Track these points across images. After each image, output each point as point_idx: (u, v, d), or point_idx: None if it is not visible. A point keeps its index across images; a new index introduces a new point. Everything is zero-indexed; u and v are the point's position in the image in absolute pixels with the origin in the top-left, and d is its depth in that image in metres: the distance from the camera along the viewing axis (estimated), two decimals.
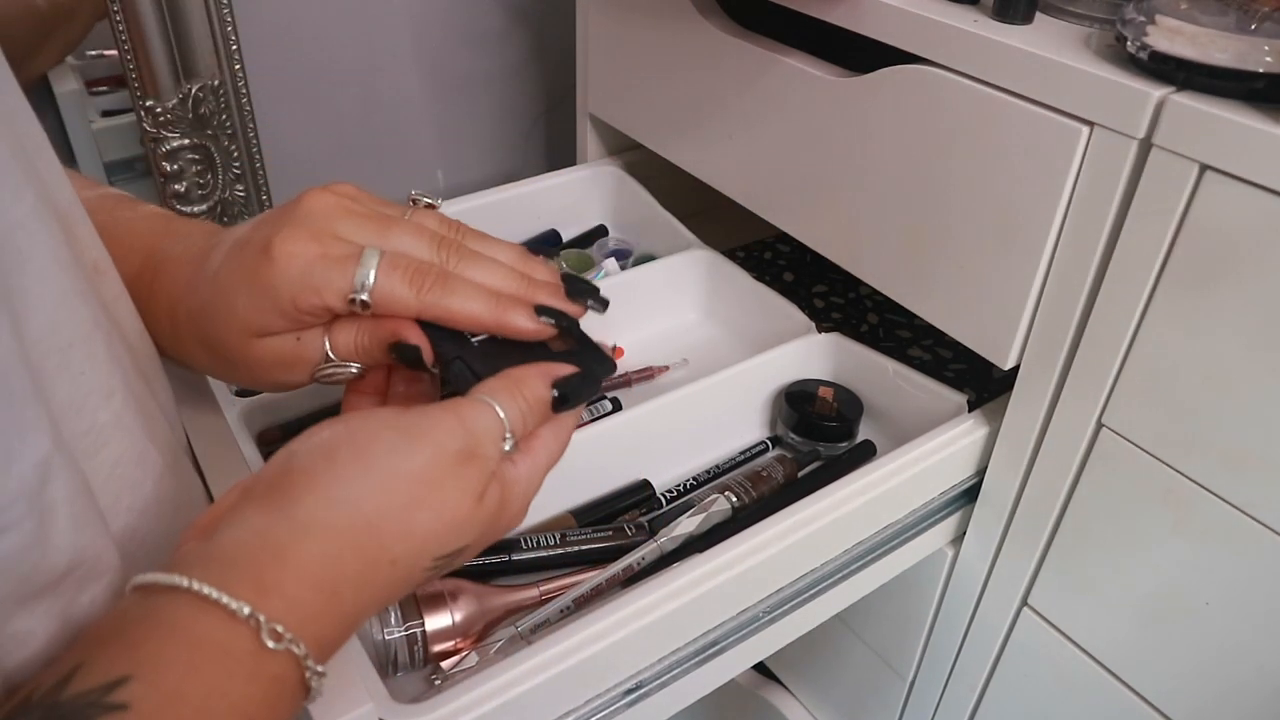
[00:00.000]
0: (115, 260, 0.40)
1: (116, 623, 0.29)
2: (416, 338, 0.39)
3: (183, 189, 0.80)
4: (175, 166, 0.78)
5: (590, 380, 0.40)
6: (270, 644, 0.29)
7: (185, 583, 0.29)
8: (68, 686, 0.26)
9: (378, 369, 0.42)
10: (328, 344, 0.40)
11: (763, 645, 0.53)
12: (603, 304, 0.43)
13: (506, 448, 0.36)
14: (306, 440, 0.34)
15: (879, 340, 0.80)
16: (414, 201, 0.43)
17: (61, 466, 0.29)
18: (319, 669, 0.30)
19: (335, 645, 0.33)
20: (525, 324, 0.40)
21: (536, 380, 0.38)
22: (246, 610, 0.29)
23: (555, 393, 0.38)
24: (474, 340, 0.41)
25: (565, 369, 0.39)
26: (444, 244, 0.40)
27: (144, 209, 0.46)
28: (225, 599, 0.28)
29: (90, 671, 0.27)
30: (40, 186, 0.33)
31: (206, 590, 0.29)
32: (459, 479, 0.34)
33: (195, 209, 0.82)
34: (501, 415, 0.36)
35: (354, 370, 0.41)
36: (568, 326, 0.41)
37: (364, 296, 0.37)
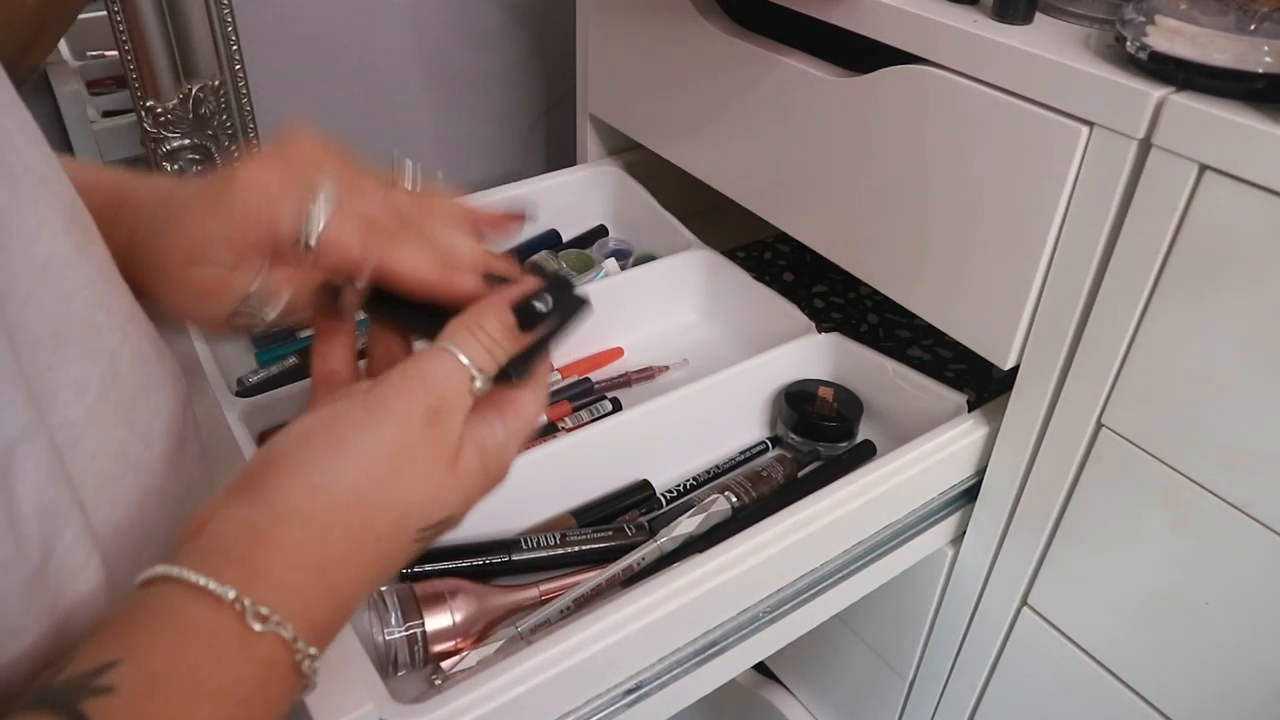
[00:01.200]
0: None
1: (114, 614, 0.29)
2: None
3: None
4: (175, 166, 0.78)
5: (560, 288, 0.38)
6: (257, 626, 0.29)
7: (175, 571, 0.29)
8: (61, 673, 0.27)
9: (341, 339, 0.41)
10: (256, 284, 0.39)
11: (763, 645, 0.53)
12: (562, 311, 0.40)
13: (478, 385, 0.36)
14: (283, 433, 0.35)
15: (879, 340, 0.80)
16: (394, 182, 0.43)
17: (30, 454, 0.29)
18: (311, 651, 0.31)
19: (331, 627, 0.33)
20: (472, 285, 0.38)
21: (493, 309, 0.37)
22: (231, 594, 0.29)
23: (518, 315, 0.37)
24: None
25: (526, 288, 0.38)
26: (406, 220, 0.40)
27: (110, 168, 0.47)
28: (211, 584, 0.29)
29: (82, 657, 0.27)
30: None
31: (194, 577, 0.29)
32: (429, 445, 0.34)
33: None
34: (463, 360, 0.36)
35: (267, 318, 0.40)
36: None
37: (310, 239, 0.37)
